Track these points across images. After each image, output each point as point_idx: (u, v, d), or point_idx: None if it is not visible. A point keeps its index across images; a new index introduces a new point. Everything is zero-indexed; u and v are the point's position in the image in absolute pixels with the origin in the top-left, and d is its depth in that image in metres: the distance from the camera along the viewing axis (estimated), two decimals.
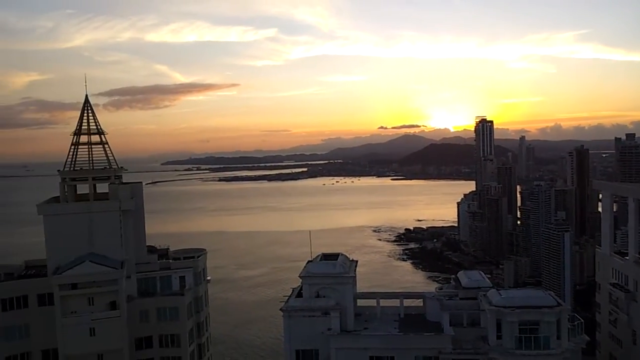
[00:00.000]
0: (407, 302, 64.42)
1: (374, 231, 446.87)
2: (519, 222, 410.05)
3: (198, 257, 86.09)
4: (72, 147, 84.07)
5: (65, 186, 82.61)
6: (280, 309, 57.88)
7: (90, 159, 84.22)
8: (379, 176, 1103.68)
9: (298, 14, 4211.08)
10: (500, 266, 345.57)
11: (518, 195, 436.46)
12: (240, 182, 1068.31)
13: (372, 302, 63.75)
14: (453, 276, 70.64)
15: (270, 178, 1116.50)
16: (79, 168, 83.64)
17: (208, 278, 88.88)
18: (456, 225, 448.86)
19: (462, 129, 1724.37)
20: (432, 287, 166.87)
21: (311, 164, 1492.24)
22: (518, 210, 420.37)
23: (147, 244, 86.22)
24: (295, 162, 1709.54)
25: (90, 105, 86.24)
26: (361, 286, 69.09)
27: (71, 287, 73.13)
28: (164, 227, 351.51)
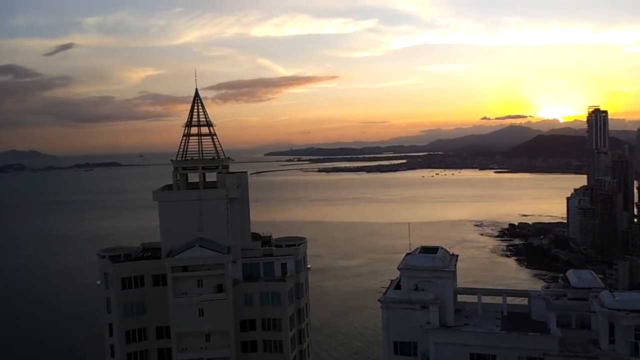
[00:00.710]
0: (511, 300, 62.14)
1: (476, 225, 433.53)
2: (635, 220, 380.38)
3: (299, 245, 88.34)
4: (184, 138, 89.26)
5: (178, 175, 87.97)
6: (379, 300, 58.01)
7: (200, 149, 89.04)
8: (481, 169, 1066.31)
9: (398, 4, 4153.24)
10: (614, 266, 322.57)
11: (635, 191, 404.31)
12: (339, 173, 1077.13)
13: (473, 298, 62.12)
14: (561, 275, 67.21)
15: (369, 169, 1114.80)
16: (189, 158, 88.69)
17: (308, 266, 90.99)
18: (565, 221, 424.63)
19: (572, 120, 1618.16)
20: (537, 286, 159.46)
21: (410, 156, 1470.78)
22: (635, 207, 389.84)
23: (252, 231, 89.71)
24: (394, 153, 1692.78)
25: (200, 99, 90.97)
26: (462, 281, 67.53)
27: (182, 269, 78.03)
28: (266, 216, 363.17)
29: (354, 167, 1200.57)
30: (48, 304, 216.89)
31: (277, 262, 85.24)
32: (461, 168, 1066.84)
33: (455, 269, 60.61)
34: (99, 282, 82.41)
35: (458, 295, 62.01)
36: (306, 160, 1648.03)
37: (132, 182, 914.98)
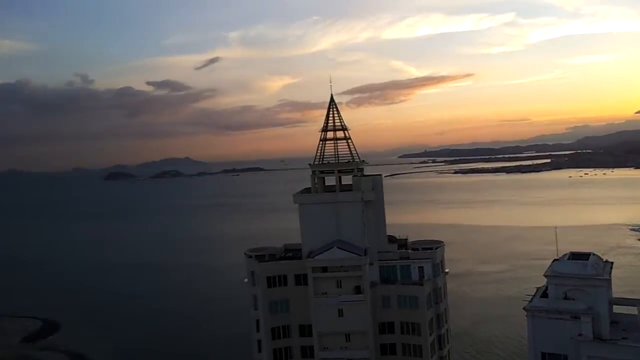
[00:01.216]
0: None
1: (633, 230, 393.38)
2: None
3: (436, 248, 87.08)
4: (320, 142, 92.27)
5: (315, 178, 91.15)
6: (524, 308, 55.42)
7: (336, 153, 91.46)
8: (637, 167, 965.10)
9: None
10: None
11: None
12: (477, 174, 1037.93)
13: (632, 310, 56.83)
14: None
15: (508, 170, 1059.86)
16: (326, 162, 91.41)
17: (446, 270, 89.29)
18: None
19: None
20: None
21: (555, 155, 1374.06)
22: None
23: (387, 234, 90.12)
24: (536, 152, 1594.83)
25: (335, 104, 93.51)
26: (618, 291, 62.11)
27: (322, 270, 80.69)
28: (402, 218, 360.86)
29: (492, 167, 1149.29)
30: (201, 300, 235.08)
31: (414, 265, 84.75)
32: (613, 167, 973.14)
33: (610, 277, 55.97)
34: (246, 280, 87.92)
35: (614, 306, 57.13)
36: (441, 161, 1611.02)
37: (274, 185, 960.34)
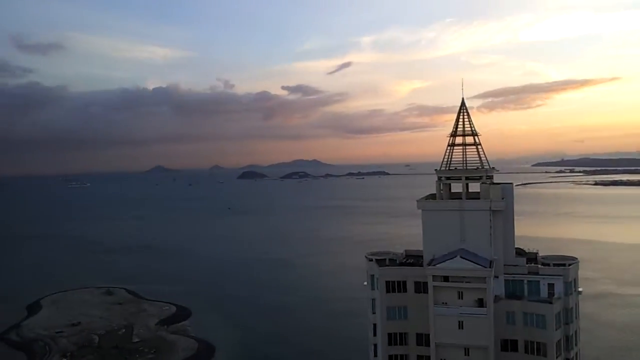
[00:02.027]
0: None
1: None
2: None
3: (569, 265, 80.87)
4: (448, 147, 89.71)
5: (441, 184, 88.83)
6: None
7: (464, 159, 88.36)
8: None
9: None
10: None
11: None
12: (620, 186, 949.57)
13: None
14: None
15: None
16: (453, 168, 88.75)
17: (579, 289, 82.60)
18: None
19: None
20: None
21: None
22: None
23: (516, 246, 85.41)
24: None
25: (466, 108, 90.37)
26: None
27: (443, 279, 78.38)
28: (532, 230, 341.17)
29: (637, 180, 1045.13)
30: (321, 299, 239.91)
31: (544, 281, 79.31)
32: None
33: None
34: (365, 283, 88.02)
35: None
36: (579, 171, 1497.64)
37: (398, 190, 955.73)
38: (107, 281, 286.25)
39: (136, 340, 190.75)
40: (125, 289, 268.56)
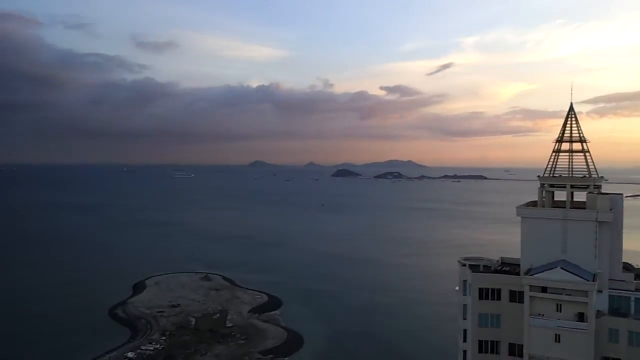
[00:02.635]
0: None
1: None
2: None
3: None
4: (553, 154, 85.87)
5: (544, 191, 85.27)
6: None
7: (570, 166, 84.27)
8: None
9: None
10: None
11: None
12: None
13: None
14: None
15: None
16: (558, 175, 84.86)
17: None
18: None
19: None
20: None
21: None
22: None
23: (623, 261, 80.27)
24: None
25: (574, 113, 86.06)
26: None
27: (541, 289, 75.33)
28: None
29: None
30: (409, 301, 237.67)
31: None
32: None
33: None
34: (457, 289, 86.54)
35: None
36: None
37: (496, 195, 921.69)
38: (205, 267, 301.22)
39: (229, 325, 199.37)
40: (221, 275, 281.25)
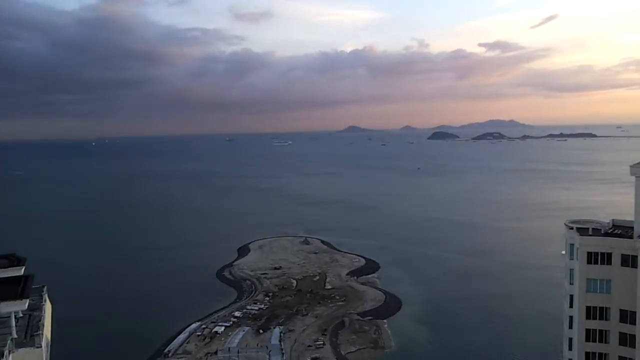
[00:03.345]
0: None
1: None
2: None
3: None
4: None
5: None
6: None
7: None
8: None
9: None
10: None
11: None
12: None
13: None
14: None
15: None
16: None
17: None
18: None
19: None
20: None
21: None
22: None
23: None
24: None
25: None
26: None
27: None
28: None
29: None
30: (510, 265, 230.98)
31: None
32: None
33: None
34: (563, 252, 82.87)
35: None
36: None
37: (606, 154, 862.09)
38: (304, 231, 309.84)
39: (329, 287, 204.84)
40: (320, 239, 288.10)
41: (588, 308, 77.16)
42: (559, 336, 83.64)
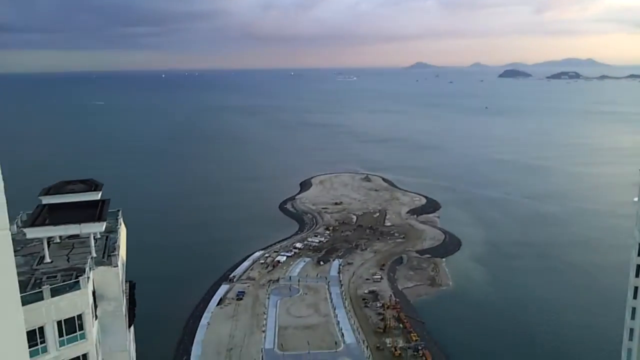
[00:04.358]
0: None
1: None
2: None
3: None
4: None
5: None
6: None
7: None
8: None
9: None
10: None
11: None
12: None
13: None
14: None
15: None
16: None
17: None
18: None
19: None
20: None
21: None
22: None
23: None
24: None
25: None
26: None
27: None
28: None
29: None
30: (579, 211, 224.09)
31: None
32: None
33: None
34: (636, 199, 79.47)
35: None
36: None
37: None
38: (366, 168, 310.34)
39: (388, 224, 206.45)
40: (381, 177, 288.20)
41: None
42: (625, 285, 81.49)
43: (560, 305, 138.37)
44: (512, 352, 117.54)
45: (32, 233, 36.34)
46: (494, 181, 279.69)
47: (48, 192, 42.50)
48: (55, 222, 36.56)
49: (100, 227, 37.16)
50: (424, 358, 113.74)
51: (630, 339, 71.67)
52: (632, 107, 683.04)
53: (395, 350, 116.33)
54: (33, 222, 36.84)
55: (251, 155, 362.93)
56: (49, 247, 37.41)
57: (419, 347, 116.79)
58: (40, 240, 37.80)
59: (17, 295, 20.18)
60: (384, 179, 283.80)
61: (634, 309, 73.08)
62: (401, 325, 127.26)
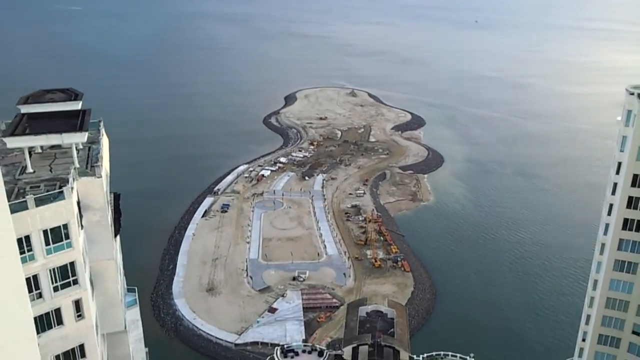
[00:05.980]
0: None
1: None
2: None
3: None
4: None
5: None
6: None
7: None
8: None
9: None
10: None
11: None
12: None
13: None
14: None
15: None
16: None
17: None
18: None
19: None
20: None
21: None
22: None
23: None
24: None
25: None
26: None
27: None
28: None
29: None
30: (561, 129, 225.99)
31: None
32: None
33: None
34: (619, 119, 79.83)
35: None
36: None
37: None
38: (351, 83, 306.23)
39: (373, 140, 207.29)
40: (367, 92, 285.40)
41: (635, 176, 75.84)
42: (600, 203, 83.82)
43: (535, 222, 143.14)
44: (486, 262, 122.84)
45: (12, 142, 35.55)
46: (480, 98, 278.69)
47: (27, 100, 41.26)
48: (36, 132, 35.75)
49: (82, 137, 36.45)
50: (402, 268, 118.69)
51: (594, 288, 73.59)
52: (622, 25, 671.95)
53: (376, 261, 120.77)
54: (13, 131, 35.97)
55: (233, 67, 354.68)
56: (30, 157, 36.85)
57: (398, 259, 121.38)
58: (21, 150, 37.15)
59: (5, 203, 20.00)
60: (369, 94, 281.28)
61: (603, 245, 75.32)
62: (382, 238, 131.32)
